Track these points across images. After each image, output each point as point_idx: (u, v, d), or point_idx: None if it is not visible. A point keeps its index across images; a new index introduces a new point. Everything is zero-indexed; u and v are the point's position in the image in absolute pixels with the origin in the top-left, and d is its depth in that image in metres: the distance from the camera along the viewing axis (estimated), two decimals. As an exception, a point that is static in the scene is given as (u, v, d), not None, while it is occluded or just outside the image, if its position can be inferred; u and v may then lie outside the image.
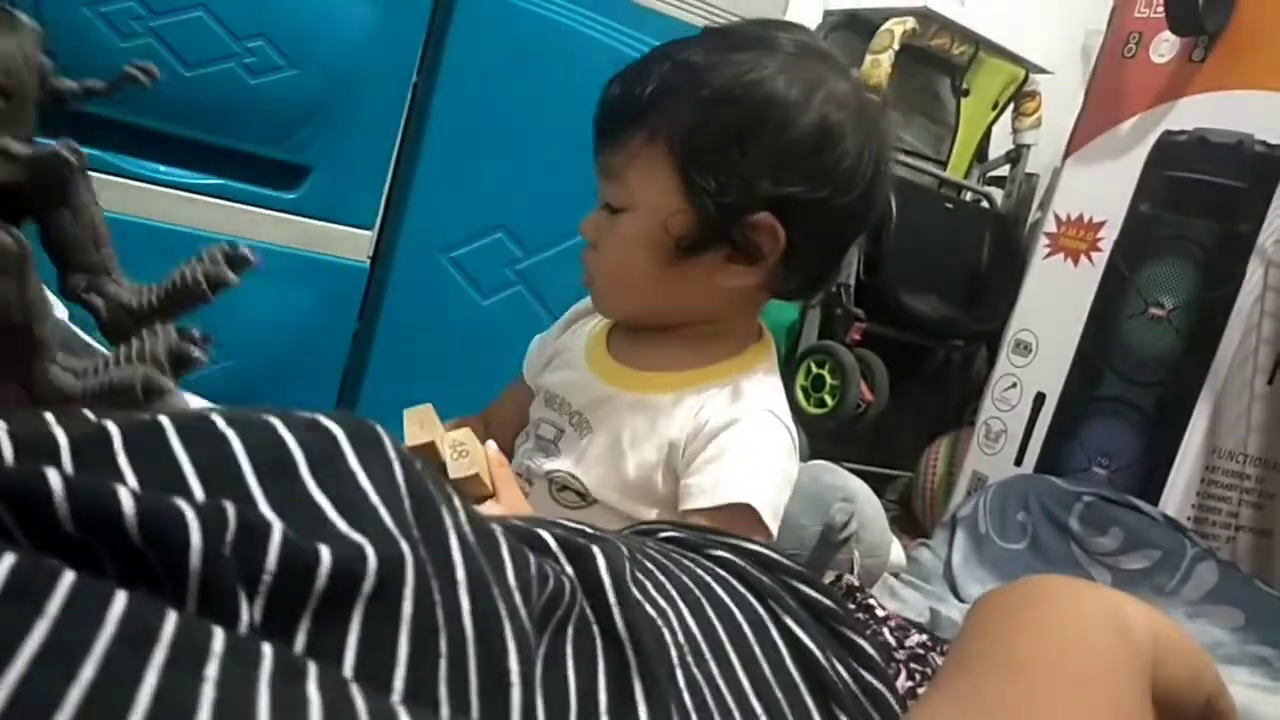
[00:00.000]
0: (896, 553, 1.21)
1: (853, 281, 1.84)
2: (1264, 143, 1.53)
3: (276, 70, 1.11)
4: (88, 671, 0.16)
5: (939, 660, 0.65)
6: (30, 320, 0.45)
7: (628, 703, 0.32)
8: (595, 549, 0.37)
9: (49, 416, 0.25)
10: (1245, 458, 1.56)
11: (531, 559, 0.32)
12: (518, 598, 0.29)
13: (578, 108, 0.76)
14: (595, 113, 0.73)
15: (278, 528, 0.23)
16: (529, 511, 0.68)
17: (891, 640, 0.68)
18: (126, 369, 0.46)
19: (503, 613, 0.28)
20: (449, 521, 0.29)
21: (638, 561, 0.40)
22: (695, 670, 0.36)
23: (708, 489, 0.69)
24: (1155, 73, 1.68)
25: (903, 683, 0.61)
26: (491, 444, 0.69)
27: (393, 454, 0.29)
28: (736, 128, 0.68)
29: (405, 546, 0.26)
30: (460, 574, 0.27)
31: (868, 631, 0.46)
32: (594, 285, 0.77)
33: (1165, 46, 1.67)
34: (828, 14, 1.98)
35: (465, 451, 0.65)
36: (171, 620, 0.18)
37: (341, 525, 0.25)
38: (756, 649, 0.40)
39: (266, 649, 0.19)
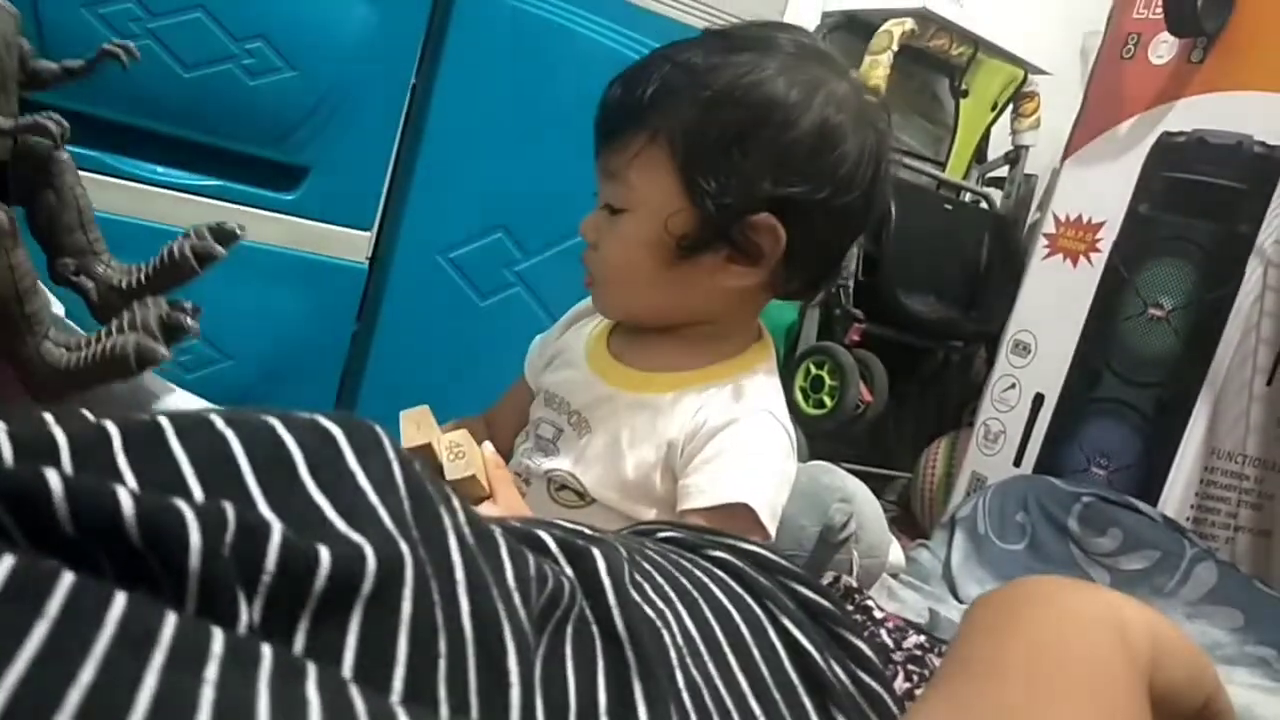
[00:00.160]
0: (895, 553, 1.21)
1: (852, 282, 1.84)
2: (1263, 143, 1.53)
3: (275, 71, 1.11)
4: (87, 673, 0.16)
5: (937, 662, 0.65)
6: (18, 294, 0.45)
7: (627, 703, 0.32)
8: (594, 550, 0.37)
9: (49, 416, 0.25)
10: (1244, 458, 1.56)
11: (531, 560, 0.32)
12: (517, 599, 0.29)
13: (577, 108, 0.76)
14: (596, 114, 0.73)
15: (277, 528, 0.23)
16: (526, 513, 0.68)
17: (889, 642, 0.68)
18: (119, 338, 0.45)
19: (502, 613, 0.28)
20: (448, 522, 0.29)
21: (636, 562, 0.40)
22: (694, 671, 0.36)
23: (706, 489, 0.69)
24: (1154, 74, 1.68)
25: (900, 684, 0.61)
26: (488, 445, 0.69)
27: (392, 455, 0.29)
28: (737, 129, 0.68)
29: (404, 547, 0.26)
30: (459, 575, 0.27)
31: (865, 633, 0.46)
32: (595, 286, 0.77)
33: (1164, 47, 1.67)
34: (826, 15, 1.98)
35: (462, 453, 0.65)
36: (171, 621, 0.18)
37: (341, 526, 0.25)
38: (754, 650, 0.40)
39: (266, 650, 0.19)
